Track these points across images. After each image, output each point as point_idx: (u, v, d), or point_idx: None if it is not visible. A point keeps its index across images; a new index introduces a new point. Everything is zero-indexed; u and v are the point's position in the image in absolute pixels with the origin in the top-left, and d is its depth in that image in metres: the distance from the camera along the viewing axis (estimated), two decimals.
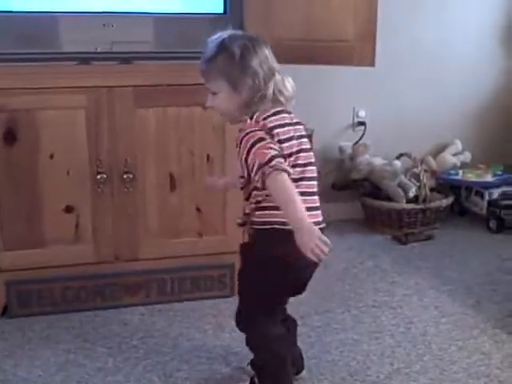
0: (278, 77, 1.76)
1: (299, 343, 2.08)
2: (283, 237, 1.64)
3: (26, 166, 2.36)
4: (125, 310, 2.50)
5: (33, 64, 2.34)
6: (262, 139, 1.67)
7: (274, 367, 1.86)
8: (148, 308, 2.53)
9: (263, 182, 1.62)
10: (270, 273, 1.76)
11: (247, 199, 1.80)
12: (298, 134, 1.76)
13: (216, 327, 2.40)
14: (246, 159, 1.67)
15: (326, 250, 1.53)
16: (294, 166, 1.71)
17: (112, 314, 2.47)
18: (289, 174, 1.62)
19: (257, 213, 1.77)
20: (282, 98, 1.76)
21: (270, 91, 1.74)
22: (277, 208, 1.66)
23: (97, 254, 2.47)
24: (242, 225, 1.85)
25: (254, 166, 1.63)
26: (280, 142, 1.69)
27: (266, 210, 1.74)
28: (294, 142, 1.74)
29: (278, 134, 1.70)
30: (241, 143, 1.69)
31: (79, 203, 2.43)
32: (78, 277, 2.47)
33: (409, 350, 2.26)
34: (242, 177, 1.76)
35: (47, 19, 2.39)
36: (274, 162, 1.61)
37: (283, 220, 1.65)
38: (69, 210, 2.42)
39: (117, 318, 2.45)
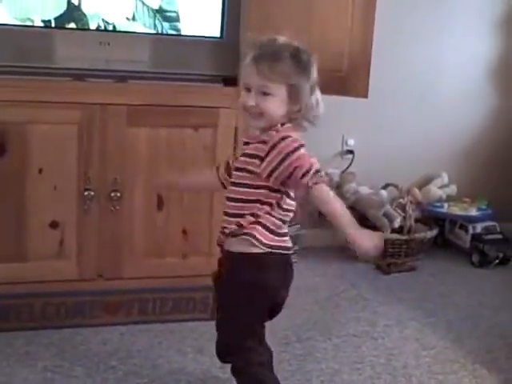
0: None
1: (281, 370, 2.07)
2: (273, 261, 1.71)
3: (13, 179, 2.34)
4: (105, 328, 2.48)
5: (27, 78, 2.34)
6: (303, 146, 1.67)
7: None
8: (128, 328, 2.50)
9: (308, 189, 1.62)
10: (256, 297, 1.77)
11: (240, 214, 1.77)
12: None
13: (196, 350, 2.39)
14: (283, 160, 1.65)
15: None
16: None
17: (92, 333, 2.45)
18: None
19: (258, 228, 1.74)
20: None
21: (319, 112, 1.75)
22: (272, 231, 1.71)
23: (80, 271, 2.45)
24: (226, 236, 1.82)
25: (295, 169, 1.63)
26: None
27: (266, 229, 1.74)
28: None
29: None
30: (274, 146, 1.67)
31: (65, 219, 2.41)
32: (59, 293, 2.44)
33: (389, 382, 2.26)
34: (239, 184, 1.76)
35: (44, 34, 2.38)
36: (322, 173, 1.64)
37: (278, 244, 1.72)
38: (54, 225, 2.40)
39: (97, 336, 2.43)
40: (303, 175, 1.63)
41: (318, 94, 1.77)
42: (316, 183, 1.62)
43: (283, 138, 1.67)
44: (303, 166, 1.63)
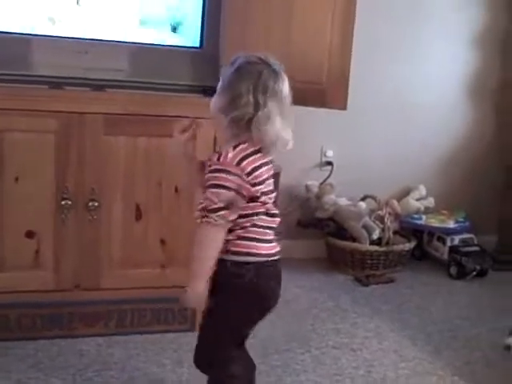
0: (262, 114, 1.69)
1: (259, 382, 2.04)
2: (259, 268, 1.72)
3: None
4: (82, 340, 2.44)
5: (3, 85, 2.31)
6: (222, 186, 1.66)
7: None
8: (106, 339, 2.47)
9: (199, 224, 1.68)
10: (243, 305, 1.77)
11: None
12: (270, 174, 1.77)
13: (175, 362, 2.36)
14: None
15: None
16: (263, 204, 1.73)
17: (69, 344, 2.41)
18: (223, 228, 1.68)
19: (238, 242, 1.74)
20: (271, 137, 1.71)
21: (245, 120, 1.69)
22: (257, 240, 1.72)
23: (56, 282, 2.42)
24: None
25: (202, 203, 1.68)
26: (254, 184, 1.69)
27: (247, 240, 1.74)
28: (267, 182, 1.75)
29: (255, 177, 1.69)
30: (208, 172, 1.69)
31: (41, 229, 2.38)
32: (34, 304, 2.40)
33: None
34: None
35: (21, 41, 2.37)
36: (215, 215, 1.65)
37: (264, 252, 1.73)
38: (30, 235, 2.37)
39: (73, 348, 2.39)
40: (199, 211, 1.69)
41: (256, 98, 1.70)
42: (202, 221, 1.67)
43: (208, 172, 1.70)
44: (204, 202, 1.67)
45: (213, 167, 1.69)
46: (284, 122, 1.72)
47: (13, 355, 2.31)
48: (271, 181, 1.78)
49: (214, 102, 1.77)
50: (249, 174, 1.68)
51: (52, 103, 2.32)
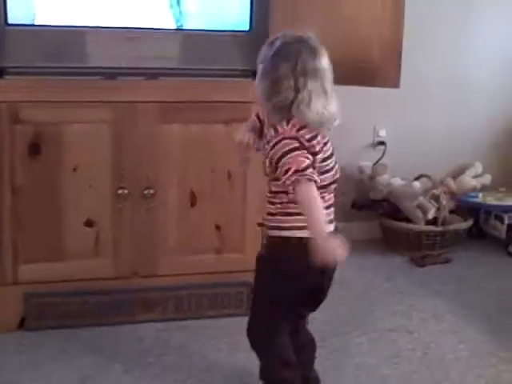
0: (303, 96, 1.70)
1: (316, 365, 2.06)
2: (303, 245, 1.68)
3: (48, 179, 2.37)
4: (141, 326, 2.49)
5: (59, 78, 2.36)
6: (297, 148, 1.67)
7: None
8: (164, 324, 2.51)
9: (294, 188, 1.65)
10: (287, 282, 1.78)
11: (271, 202, 1.79)
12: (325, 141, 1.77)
13: (231, 346, 2.39)
14: (278, 161, 1.68)
15: (335, 262, 1.67)
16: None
17: (128, 330, 2.47)
18: (317, 184, 1.66)
19: (281, 217, 1.77)
20: (314, 118, 1.71)
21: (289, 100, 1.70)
22: (300, 214, 1.70)
23: (115, 269, 2.47)
24: (261, 225, 1.86)
25: (288, 170, 1.65)
26: (314, 153, 1.70)
27: (290, 215, 1.75)
28: (325, 149, 1.75)
29: (313, 145, 1.71)
30: (275, 145, 1.69)
31: (100, 217, 2.43)
32: (95, 291, 2.46)
33: (426, 377, 2.24)
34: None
35: (74, 34, 2.40)
36: (307, 172, 1.64)
37: (303, 225, 1.70)
38: (89, 223, 2.43)
39: (133, 333, 2.45)
40: (289, 177, 1.66)
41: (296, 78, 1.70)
42: (294, 182, 1.65)
43: (277, 143, 1.69)
44: (291, 168, 1.66)
45: (276, 139, 1.70)
46: (327, 98, 1.72)
47: (76, 342, 2.38)
48: (329, 148, 1.78)
49: (257, 86, 1.78)
50: (308, 140, 1.70)
51: (106, 94, 2.36)
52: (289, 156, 1.67)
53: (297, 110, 1.69)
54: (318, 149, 1.72)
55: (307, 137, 1.70)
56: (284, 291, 1.80)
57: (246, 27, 2.56)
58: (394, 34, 2.64)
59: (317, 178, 1.66)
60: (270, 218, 1.80)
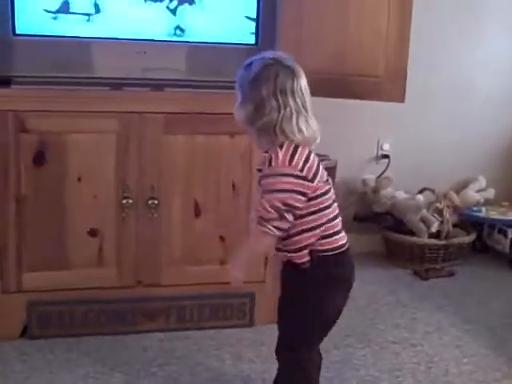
0: (285, 115, 1.70)
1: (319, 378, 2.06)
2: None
3: (53, 188, 2.38)
4: (144, 335, 2.49)
5: (65, 88, 2.37)
6: (281, 191, 1.68)
7: None
8: (167, 334, 2.51)
9: (257, 225, 1.71)
10: (334, 293, 1.83)
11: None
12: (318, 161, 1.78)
13: (235, 357, 2.38)
14: (264, 193, 1.72)
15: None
16: (323, 194, 1.75)
17: (131, 339, 2.47)
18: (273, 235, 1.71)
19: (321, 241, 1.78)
20: (298, 137, 1.71)
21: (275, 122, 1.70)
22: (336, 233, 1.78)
23: (119, 278, 2.48)
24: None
25: (258, 211, 1.71)
26: (311, 179, 1.70)
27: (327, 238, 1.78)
28: (320, 169, 1.76)
29: (309, 169, 1.70)
30: (267, 177, 1.70)
31: (104, 227, 2.44)
32: (99, 300, 2.46)
33: None
34: None
35: (81, 44, 2.42)
36: (269, 224, 1.69)
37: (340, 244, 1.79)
38: (93, 233, 2.43)
39: (136, 343, 2.45)
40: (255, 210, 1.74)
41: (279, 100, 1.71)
42: (256, 225, 1.72)
43: (268, 175, 1.71)
44: (263, 208, 1.69)
45: (269, 172, 1.71)
46: (307, 117, 1.73)
47: (79, 350, 2.38)
48: (322, 167, 1.78)
49: (238, 113, 1.78)
50: (301, 169, 1.69)
51: (112, 104, 2.37)
52: (270, 196, 1.68)
53: (281, 129, 1.70)
54: (313, 172, 1.71)
55: (300, 164, 1.69)
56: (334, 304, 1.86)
57: (253, 40, 2.58)
58: (400, 50, 2.67)
59: (275, 232, 1.69)
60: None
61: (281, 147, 1.70)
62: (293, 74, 1.72)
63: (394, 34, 2.64)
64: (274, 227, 1.69)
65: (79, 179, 2.39)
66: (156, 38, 2.50)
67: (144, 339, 2.47)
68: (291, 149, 1.70)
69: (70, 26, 2.41)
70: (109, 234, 2.44)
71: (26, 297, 2.41)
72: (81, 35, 2.42)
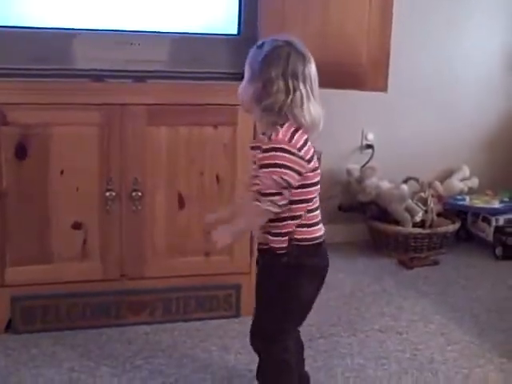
0: (294, 98, 1.72)
1: (306, 367, 2.06)
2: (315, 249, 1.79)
3: (35, 182, 2.36)
4: (129, 328, 2.49)
5: (46, 80, 2.35)
6: (278, 165, 1.68)
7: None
8: (153, 327, 2.51)
9: (256, 201, 1.71)
10: (311, 283, 1.83)
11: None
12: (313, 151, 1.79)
13: (221, 348, 2.39)
14: (260, 168, 1.72)
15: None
16: (313, 184, 1.77)
17: (117, 333, 2.46)
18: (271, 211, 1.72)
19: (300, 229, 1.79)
20: (306, 120, 1.73)
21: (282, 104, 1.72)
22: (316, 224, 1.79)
23: (103, 272, 2.46)
24: None
25: (256, 184, 1.72)
26: (308, 161, 1.72)
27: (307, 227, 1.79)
28: (314, 158, 1.77)
29: (305, 152, 1.72)
30: (264, 152, 1.71)
31: (87, 220, 2.42)
32: (83, 294, 2.45)
33: (416, 378, 2.25)
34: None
35: (62, 36, 2.39)
36: (267, 199, 1.69)
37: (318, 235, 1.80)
38: (77, 226, 2.42)
39: (121, 336, 2.44)
40: (252, 185, 1.75)
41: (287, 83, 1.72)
42: (254, 199, 1.73)
43: (265, 152, 1.71)
44: (261, 183, 1.71)
45: (267, 146, 1.71)
46: (314, 103, 1.75)
47: (63, 345, 2.37)
48: (316, 158, 1.79)
49: (244, 90, 1.79)
50: (300, 149, 1.70)
51: (94, 96, 2.35)
52: (267, 170, 1.69)
53: (290, 111, 1.71)
54: (309, 155, 1.73)
55: (299, 145, 1.71)
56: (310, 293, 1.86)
57: (235, 31, 2.57)
58: (382, 38, 2.67)
59: (272, 209, 1.70)
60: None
61: (282, 126, 1.72)
62: (305, 60, 1.73)
63: (376, 24, 2.64)
64: (273, 202, 1.70)
65: (62, 172, 2.37)
66: (138, 30, 2.48)
67: (129, 332, 2.46)
68: (292, 129, 1.72)
69: (50, 17, 2.38)
70: (92, 226, 2.43)
71: (10, 291, 2.39)
72: (62, 26, 2.39)
